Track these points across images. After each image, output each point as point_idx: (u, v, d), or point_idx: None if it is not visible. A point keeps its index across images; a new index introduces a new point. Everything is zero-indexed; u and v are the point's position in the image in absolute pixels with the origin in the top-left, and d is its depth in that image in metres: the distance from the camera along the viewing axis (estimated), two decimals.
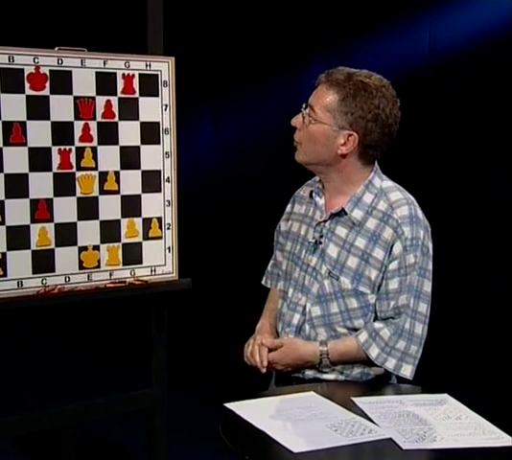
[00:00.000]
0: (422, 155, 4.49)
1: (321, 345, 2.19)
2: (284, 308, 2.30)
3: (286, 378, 2.27)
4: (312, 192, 2.30)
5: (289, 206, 2.42)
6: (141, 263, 2.62)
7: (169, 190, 2.66)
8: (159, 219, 2.65)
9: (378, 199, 2.19)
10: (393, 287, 2.15)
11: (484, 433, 1.81)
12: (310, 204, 2.30)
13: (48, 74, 2.39)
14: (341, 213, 2.20)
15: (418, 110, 4.48)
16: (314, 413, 1.90)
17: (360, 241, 2.17)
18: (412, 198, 2.23)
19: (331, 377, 2.22)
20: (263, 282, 2.52)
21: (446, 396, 2.03)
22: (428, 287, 2.19)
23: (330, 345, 2.19)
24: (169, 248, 2.67)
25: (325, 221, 2.23)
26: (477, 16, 4.19)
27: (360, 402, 1.98)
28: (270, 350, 2.24)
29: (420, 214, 2.21)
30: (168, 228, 2.67)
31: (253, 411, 1.91)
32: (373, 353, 2.16)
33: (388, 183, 2.25)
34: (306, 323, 2.23)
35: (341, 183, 2.22)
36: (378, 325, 2.18)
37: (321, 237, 2.22)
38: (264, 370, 2.23)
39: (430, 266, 2.20)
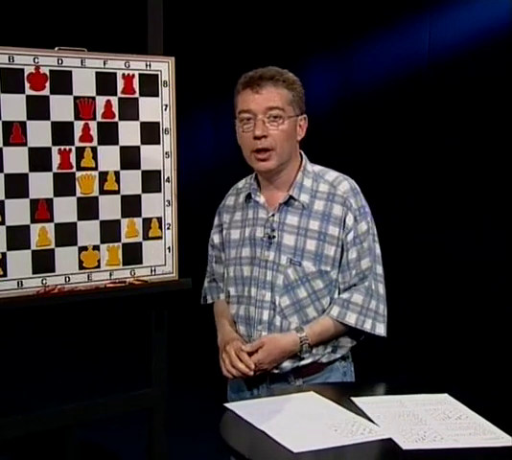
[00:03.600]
0: (422, 155, 4.49)
1: (299, 332, 2.26)
2: (242, 310, 2.35)
3: (259, 376, 2.28)
4: (249, 195, 2.38)
5: (216, 218, 2.51)
6: (141, 263, 2.62)
7: (169, 190, 2.66)
8: (159, 219, 2.65)
9: (317, 183, 2.33)
10: (353, 257, 2.30)
11: (484, 433, 1.81)
12: (246, 208, 2.40)
13: (48, 74, 2.39)
14: (290, 201, 2.31)
15: (418, 110, 4.49)
16: (314, 413, 1.90)
17: (313, 224, 2.29)
18: (345, 175, 2.37)
19: (308, 361, 2.27)
20: (202, 302, 2.57)
21: (446, 396, 2.04)
22: (379, 249, 2.37)
23: (306, 329, 2.26)
24: (169, 248, 2.67)
25: (273, 215, 2.32)
26: (477, 16, 4.19)
27: (360, 402, 1.98)
28: (250, 353, 2.25)
29: (357, 185, 2.36)
30: (168, 228, 2.67)
31: (253, 411, 1.92)
32: (351, 319, 2.27)
33: (318, 167, 2.40)
34: (277, 316, 2.28)
35: (290, 171, 2.34)
36: (345, 295, 2.29)
37: (273, 231, 2.31)
38: (251, 373, 2.24)
39: (376, 231, 2.38)
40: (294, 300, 2.27)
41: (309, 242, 2.27)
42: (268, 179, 2.35)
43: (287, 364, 2.26)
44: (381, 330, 2.31)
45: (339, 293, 2.31)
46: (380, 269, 2.35)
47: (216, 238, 2.50)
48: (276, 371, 2.27)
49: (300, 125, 2.31)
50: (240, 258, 2.37)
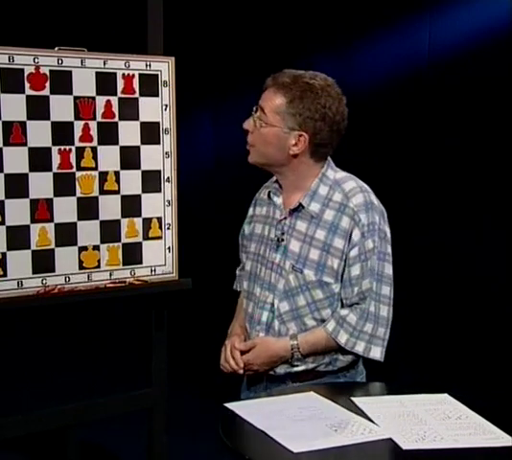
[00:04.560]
0: (421, 155, 4.49)
1: (292, 339, 2.24)
2: (250, 307, 2.35)
3: (256, 377, 2.31)
4: (270, 192, 2.35)
5: (250, 209, 2.48)
6: (141, 263, 2.62)
7: (169, 190, 2.66)
8: (159, 219, 2.65)
9: (333, 191, 2.25)
10: (355, 274, 2.22)
11: (484, 433, 1.81)
12: (269, 205, 2.37)
13: (48, 74, 2.39)
14: (299, 208, 2.27)
15: (418, 110, 4.49)
16: (314, 413, 1.90)
17: (319, 233, 2.23)
18: (366, 186, 2.29)
19: (301, 368, 2.25)
20: (234, 287, 2.59)
21: (446, 396, 2.03)
22: (389, 269, 2.26)
23: (300, 338, 2.23)
24: (169, 248, 2.67)
25: (285, 219, 2.29)
26: (477, 16, 4.19)
27: (360, 402, 1.98)
28: (244, 352, 2.28)
29: (374, 200, 2.27)
30: (168, 228, 2.67)
31: (253, 411, 1.92)
32: (342, 339, 2.21)
33: (342, 174, 2.31)
34: (275, 319, 2.27)
35: (296, 180, 2.29)
36: (343, 312, 2.23)
37: (283, 234, 2.29)
38: (241, 372, 2.28)
39: (389, 250, 2.27)
40: (293, 307, 2.25)
41: (312, 251, 2.23)
42: (280, 181, 2.33)
43: (280, 369, 2.26)
44: (376, 353, 2.23)
45: (341, 307, 2.25)
46: (386, 290, 2.25)
47: (246, 228, 2.48)
48: (272, 373, 2.27)
49: (297, 140, 2.21)
50: (258, 254, 2.36)
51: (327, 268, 2.22)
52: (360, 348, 2.22)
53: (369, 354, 2.23)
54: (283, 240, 2.28)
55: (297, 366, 2.25)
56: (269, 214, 2.36)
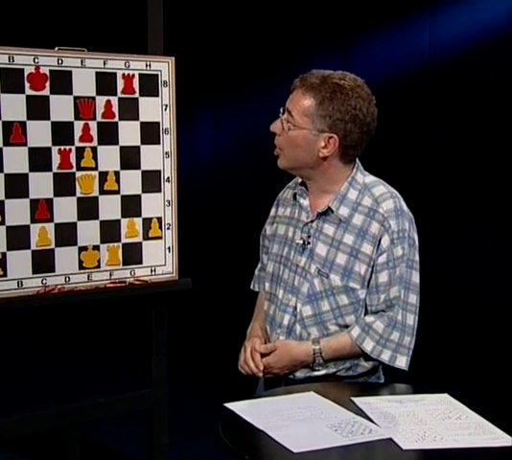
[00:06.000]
0: (421, 154, 4.49)
1: (314, 344, 2.20)
2: (271, 309, 2.32)
3: (275, 380, 2.27)
4: (295, 194, 2.32)
5: (273, 209, 2.44)
6: (141, 263, 2.62)
7: (169, 190, 2.66)
8: (159, 219, 2.65)
9: (362, 195, 2.21)
10: (383, 281, 2.18)
11: (484, 433, 1.81)
12: (294, 206, 2.32)
13: (48, 74, 2.39)
14: (328, 211, 2.23)
15: (418, 110, 4.49)
16: (314, 413, 1.90)
17: (347, 238, 2.19)
18: (395, 192, 2.25)
19: (321, 373, 2.22)
20: (251, 286, 2.54)
21: (446, 396, 2.04)
22: (416, 277, 2.23)
23: (322, 343, 2.20)
24: (169, 248, 2.67)
25: (312, 221, 2.25)
26: (476, 16, 4.20)
27: (360, 402, 1.98)
28: (264, 355, 2.24)
29: (404, 206, 2.23)
30: (168, 228, 2.67)
31: (253, 411, 1.92)
32: (368, 346, 2.18)
33: (371, 178, 2.27)
34: (297, 323, 2.24)
35: (325, 183, 2.25)
36: (369, 318, 2.20)
37: (309, 237, 2.24)
38: (260, 374, 2.24)
39: (417, 258, 2.24)
40: (316, 312, 2.21)
41: (340, 256, 2.19)
42: (307, 183, 2.28)
43: (300, 373, 2.23)
44: (402, 363, 2.18)
45: (366, 314, 2.21)
46: (413, 299, 2.22)
47: (268, 229, 2.44)
48: (291, 377, 2.24)
49: (327, 142, 2.16)
50: (280, 256, 2.31)
51: (354, 274, 2.18)
52: (385, 356, 2.18)
53: (395, 362, 2.19)
54: (309, 242, 2.23)
55: (318, 371, 2.22)
56: (294, 215, 2.31)
